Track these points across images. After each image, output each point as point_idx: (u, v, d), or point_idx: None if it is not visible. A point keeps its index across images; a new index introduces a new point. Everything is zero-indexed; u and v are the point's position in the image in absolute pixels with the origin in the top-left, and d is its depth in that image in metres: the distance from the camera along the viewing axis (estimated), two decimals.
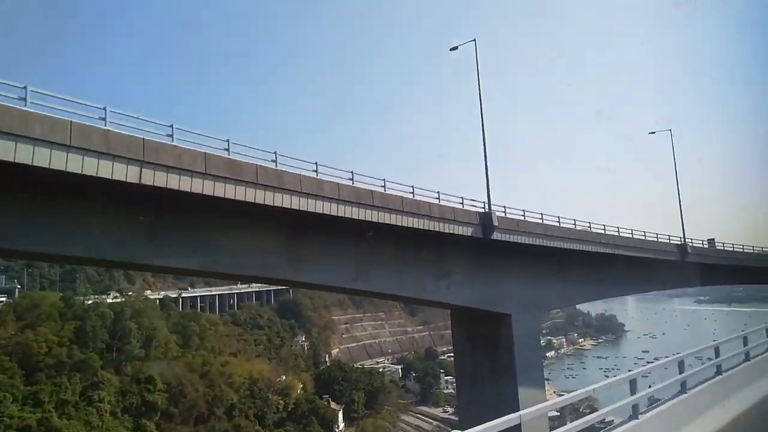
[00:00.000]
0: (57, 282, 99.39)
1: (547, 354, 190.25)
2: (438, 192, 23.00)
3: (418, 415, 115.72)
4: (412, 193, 22.29)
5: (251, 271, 19.53)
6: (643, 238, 37.23)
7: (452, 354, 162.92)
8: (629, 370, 12.91)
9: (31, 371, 70.74)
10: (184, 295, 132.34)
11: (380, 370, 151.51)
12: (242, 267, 18.67)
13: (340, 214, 18.71)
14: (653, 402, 11.65)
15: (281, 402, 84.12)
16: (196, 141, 16.45)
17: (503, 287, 27.60)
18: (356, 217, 19.36)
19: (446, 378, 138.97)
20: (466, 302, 26.63)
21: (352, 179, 19.93)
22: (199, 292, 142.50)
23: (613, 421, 10.82)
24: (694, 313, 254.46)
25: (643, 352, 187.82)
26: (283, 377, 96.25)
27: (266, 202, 16.66)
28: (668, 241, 40.05)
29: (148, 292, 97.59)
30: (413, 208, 21.49)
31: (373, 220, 19.92)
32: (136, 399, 74.05)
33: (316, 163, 19.05)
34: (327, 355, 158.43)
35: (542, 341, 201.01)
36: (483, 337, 28.66)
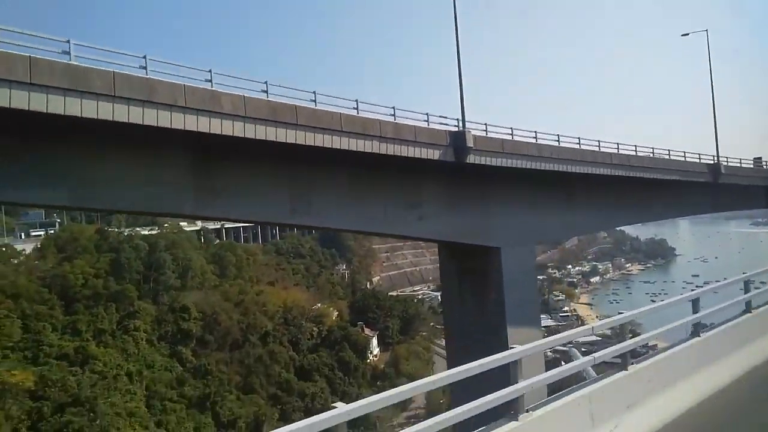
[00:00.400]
0: (96, 215, 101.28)
1: (592, 279, 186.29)
2: (393, 107, 19.46)
3: None
4: (356, 109, 18.89)
5: (136, 206, 16.79)
6: (667, 157, 32.57)
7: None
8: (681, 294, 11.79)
9: (70, 302, 72.72)
10: (227, 225, 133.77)
11: (420, 296, 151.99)
12: (118, 201, 15.93)
13: (247, 135, 15.53)
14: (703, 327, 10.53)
15: (315, 329, 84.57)
16: None
17: (490, 218, 24.29)
18: (274, 139, 16.21)
19: None
20: (443, 236, 23.69)
21: (266, 91, 16.56)
22: (242, 223, 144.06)
23: (657, 345, 11.18)
24: (750, 236, 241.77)
25: (692, 276, 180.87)
26: (318, 305, 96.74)
27: (132, 120, 13.34)
28: (698, 160, 35.21)
29: (184, 224, 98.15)
30: (357, 128, 18.11)
31: (301, 142, 16.74)
32: (172, 327, 75.62)
33: (210, 71, 15.47)
34: (368, 283, 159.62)
35: (587, 266, 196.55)
36: (471, 273, 25.70)
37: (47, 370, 57.87)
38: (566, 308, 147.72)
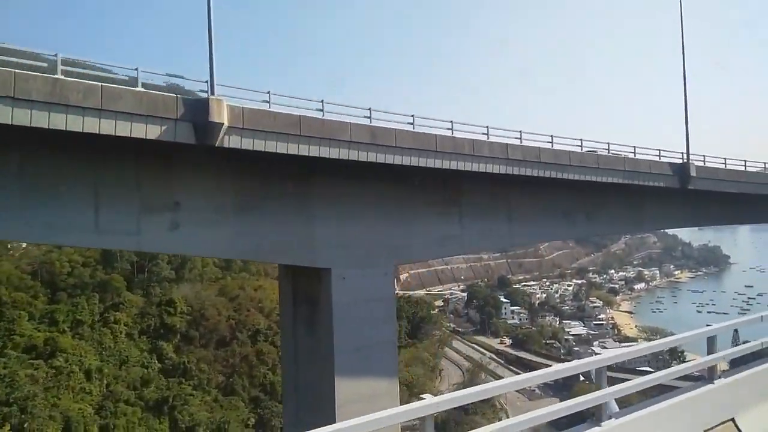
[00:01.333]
0: None
1: (636, 286, 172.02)
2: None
3: (474, 345, 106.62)
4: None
5: None
6: (605, 153, 22.88)
7: (528, 283, 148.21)
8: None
9: (55, 291, 69.14)
10: None
11: (447, 296, 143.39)
12: None
13: None
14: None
15: None
16: None
17: (314, 228, 16.33)
18: None
19: (512, 308, 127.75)
20: (218, 251, 16.21)
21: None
22: None
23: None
24: None
25: (746, 287, 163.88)
26: None
27: None
28: (657, 158, 24.97)
29: None
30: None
31: None
32: (155, 321, 70.83)
33: None
34: (395, 280, 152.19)
35: (632, 272, 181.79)
36: (304, 299, 17.88)
37: (3, 363, 53.91)
38: (602, 316, 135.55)
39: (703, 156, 28.29)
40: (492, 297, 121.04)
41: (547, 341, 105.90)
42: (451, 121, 18.57)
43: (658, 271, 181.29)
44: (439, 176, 18.53)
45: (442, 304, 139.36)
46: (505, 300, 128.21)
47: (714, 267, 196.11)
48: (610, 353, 6.28)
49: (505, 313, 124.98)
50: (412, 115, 17.65)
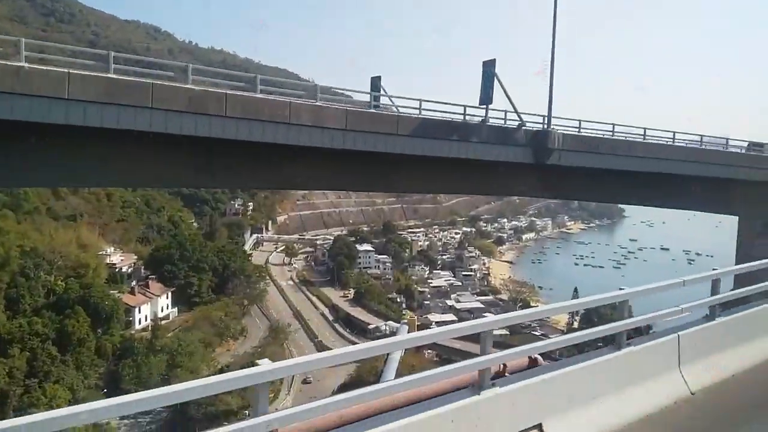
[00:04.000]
0: None
1: (525, 236, 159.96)
2: None
3: (315, 298, 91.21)
4: None
5: None
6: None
7: (417, 230, 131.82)
8: None
9: None
10: None
11: (319, 242, 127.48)
12: None
13: None
14: None
15: (61, 282, 60.33)
16: None
17: None
18: None
19: (378, 257, 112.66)
20: None
21: None
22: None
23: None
24: None
25: (630, 240, 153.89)
26: (110, 250, 72.38)
27: None
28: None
29: None
30: None
31: None
32: None
33: None
34: (269, 222, 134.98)
35: (524, 222, 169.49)
36: None
37: None
38: (475, 266, 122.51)
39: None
40: (346, 245, 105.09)
41: (390, 296, 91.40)
42: None
43: (550, 222, 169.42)
44: None
45: (312, 250, 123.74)
46: (369, 249, 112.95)
47: (608, 219, 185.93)
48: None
49: (369, 263, 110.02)
50: None
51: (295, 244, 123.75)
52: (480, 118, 22.28)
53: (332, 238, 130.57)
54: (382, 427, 4.01)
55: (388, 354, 63.69)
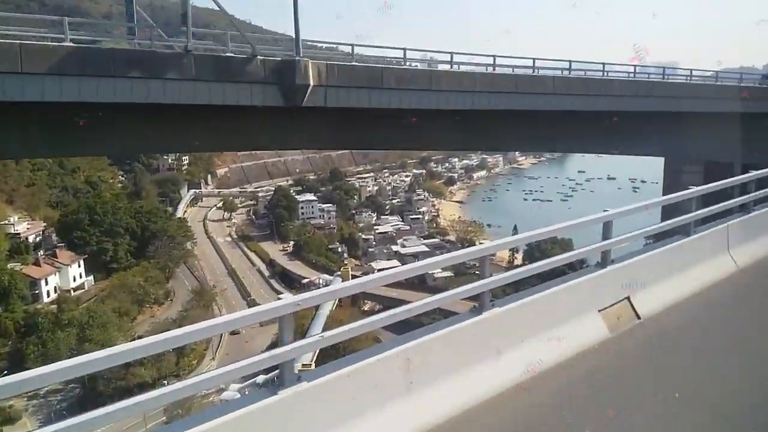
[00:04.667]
0: None
1: (475, 175, 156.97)
2: None
3: (253, 253, 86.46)
4: None
5: None
6: None
7: (367, 175, 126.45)
8: None
9: None
10: None
11: (260, 194, 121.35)
12: None
13: None
14: None
15: None
16: None
17: None
18: None
19: (322, 207, 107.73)
20: None
21: None
22: None
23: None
24: None
25: (578, 172, 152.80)
26: (14, 218, 65.48)
27: None
28: None
29: None
30: None
31: None
32: None
33: None
34: (208, 176, 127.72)
35: (475, 160, 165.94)
36: None
37: None
38: (424, 209, 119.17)
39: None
40: (285, 196, 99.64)
41: (332, 246, 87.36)
42: None
43: (501, 158, 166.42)
44: None
45: (253, 203, 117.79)
46: (312, 198, 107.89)
47: (558, 153, 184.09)
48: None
49: (313, 213, 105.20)
50: None
51: (235, 198, 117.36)
52: None
53: (264, 190, 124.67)
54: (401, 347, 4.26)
55: (316, 308, 60.78)
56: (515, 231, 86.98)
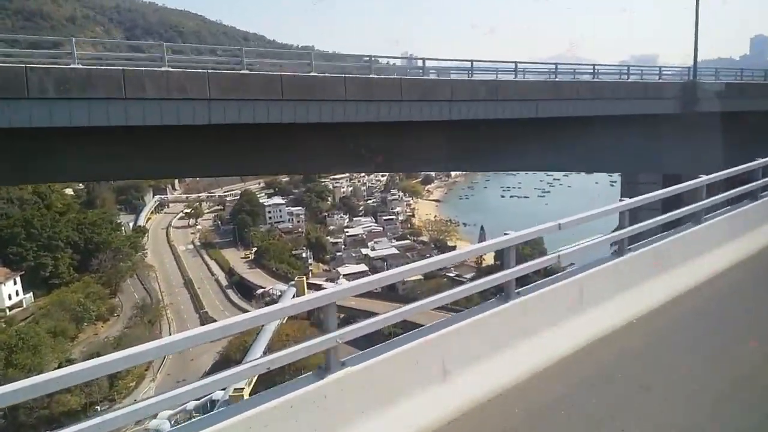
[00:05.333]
0: None
1: (452, 173, 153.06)
2: None
3: (213, 261, 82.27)
4: None
5: None
6: None
7: (341, 176, 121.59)
8: None
9: None
10: None
11: (229, 198, 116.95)
12: None
13: None
14: None
15: None
16: None
17: None
18: None
19: (290, 210, 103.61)
20: None
21: None
22: None
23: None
24: None
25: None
26: None
27: None
28: None
29: None
30: None
31: None
32: None
33: None
34: (175, 181, 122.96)
35: None
36: None
37: None
38: (398, 209, 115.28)
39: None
40: (248, 201, 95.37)
41: (296, 252, 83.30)
42: None
43: None
44: None
45: (221, 208, 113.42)
46: (279, 201, 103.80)
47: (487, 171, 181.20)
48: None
49: (281, 217, 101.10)
50: None
51: (202, 203, 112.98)
52: None
53: (233, 194, 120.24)
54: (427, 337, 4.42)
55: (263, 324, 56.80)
56: (482, 233, 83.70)
